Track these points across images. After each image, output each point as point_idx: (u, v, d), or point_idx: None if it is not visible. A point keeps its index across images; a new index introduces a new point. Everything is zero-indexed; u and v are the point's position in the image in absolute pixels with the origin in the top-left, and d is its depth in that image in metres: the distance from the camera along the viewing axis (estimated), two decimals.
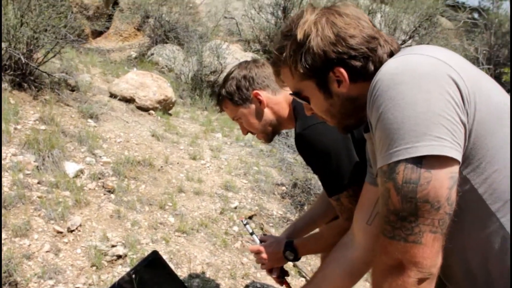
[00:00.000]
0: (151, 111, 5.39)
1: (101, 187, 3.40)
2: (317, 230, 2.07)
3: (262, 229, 3.61)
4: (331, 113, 1.25)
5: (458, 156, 0.96)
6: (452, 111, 0.96)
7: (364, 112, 1.25)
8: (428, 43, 7.78)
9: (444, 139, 0.94)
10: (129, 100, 5.35)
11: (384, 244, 1.03)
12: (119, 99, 5.26)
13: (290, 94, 1.31)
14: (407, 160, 0.95)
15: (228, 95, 1.88)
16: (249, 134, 2.00)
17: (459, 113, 0.97)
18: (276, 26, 8.25)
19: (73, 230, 2.83)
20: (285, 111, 1.88)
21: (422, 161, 0.94)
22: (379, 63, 1.14)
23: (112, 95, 5.32)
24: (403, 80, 0.99)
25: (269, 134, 1.93)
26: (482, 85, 1.04)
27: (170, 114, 5.68)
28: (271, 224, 3.72)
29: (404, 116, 0.96)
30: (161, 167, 4.02)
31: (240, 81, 1.87)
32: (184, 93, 6.76)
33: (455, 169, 0.96)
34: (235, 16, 8.93)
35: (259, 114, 1.89)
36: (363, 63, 1.15)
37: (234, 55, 7.07)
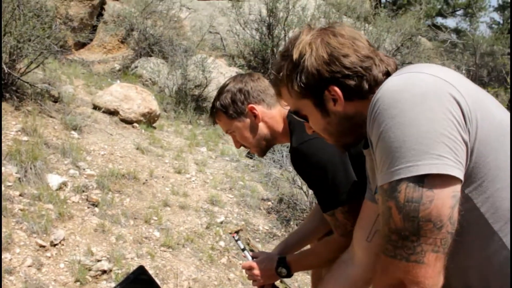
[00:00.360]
0: (135, 124, 5.33)
1: (85, 200, 3.33)
2: (308, 246, 2.05)
3: (248, 244, 3.57)
4: (329, 131, 1.26)
5: (460, 175, 0.95)
6: (454, 130, 0.96)
7: (362, 129, 1.24)
8: (410, 62, 7.91)
9: (446, 158, 0.94)
10: (113, 113, 5.28)
11: (385, 263, 1.02)
12: (103, 111, 5.19)
13: (291, 112, 1.32)
14: (409, 179, 0.94)
15: (222, 108, 1.86)
16: (236, 149, 1.98)
17: (461, 131, 0.96)
18: (261, 42, 8.30)
19: (56, 244, 2.75)
20: (279, 125, 1.87)
21: (424, 180, 0.94)
22: (374, 82, 1.16)
23: (96, 107, 5.25)
24: (404, 98, 0.99)
25: (263, 148, 1.91)
26: (484, 103, 1.05)
27: (154, 127, 5.62)
28: (257, 239, 3.68)
29: (405, 134, 0.96)
30: (146, 180, 3.96)
31: (235, 95, 1.85)
32: (168, 106, 6.72)
33: (457, 188, 0.96)
34: (220, 31, 8.96)
35: (253, 128, 1.87)
36: (357, 82, 1.15)
37: (219, 69, 7.07)
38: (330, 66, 1.15)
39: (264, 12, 8.32)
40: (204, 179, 4.38)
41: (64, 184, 3.38)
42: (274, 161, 4.80)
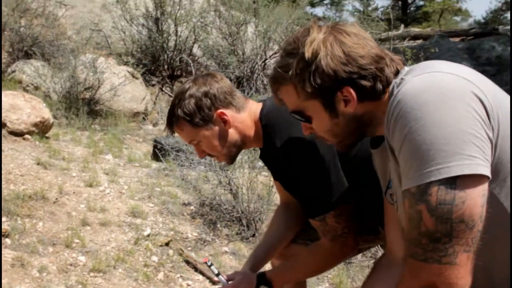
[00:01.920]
0: (27, 136, 4.78)
1: None
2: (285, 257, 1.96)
3: (181, 255, 3.37)
4: (334, 133, 1.22)
5: (489, 173, 0.96)
6: (480, 128, 0.96)
7: (368, 128, 1.22)
8: None
9: (476, 157, 0.94)
10: None
11: (414, 267, 1.01)
12: None
13: (291, 113, 1.24)
14: (440, 181, 0.94)
15: (186, 116, 1.65)
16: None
17: (486, 129, 0.97)
18: (150, 39, 7.93)
19: None
20: (251, 129, 1.73)
21: (456, 181, 0.93)
22: (386, 83, 1.14)
23: None
24: (428, 100, 0.98)
25: (233, 155, 1.76)
26: (502, 99, 1.06)
27: (48, 138, 5.09)
28: (189, 248, 3.50)
29: (432, 136, 0.95)
30: (56, 199, 3.55)
31: (200, 100, 1.65)
32: (58, 112, 6.14)
33: (486, 186, 0.96)
34: (103, 29, 8.39)
35: (223, 136, 1.70)
36: (372, 83, 1.13)
37: (112, 69, 6.63)
38: (347, 67, 1.11)
39: (151, 6, 7.96)
40: (119, 190, 4.06)
41: None
42: (190, 162, 4.62)
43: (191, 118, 1.64)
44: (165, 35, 8.04)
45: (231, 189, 4.11)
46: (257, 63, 7.98)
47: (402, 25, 15.78)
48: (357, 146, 1.56)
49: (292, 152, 1.57)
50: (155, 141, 5.52)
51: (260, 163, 5.21)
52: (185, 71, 8.55)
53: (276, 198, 4.52)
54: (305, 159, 1.55)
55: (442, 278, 0.97)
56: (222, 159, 1.76)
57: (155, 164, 4.99)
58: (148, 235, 3.46)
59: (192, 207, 4.14)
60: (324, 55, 1.11)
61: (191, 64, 8.02)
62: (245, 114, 1.72)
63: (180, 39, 8.17)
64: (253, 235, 3.97)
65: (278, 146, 1.59)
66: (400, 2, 25.87)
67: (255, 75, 7.97)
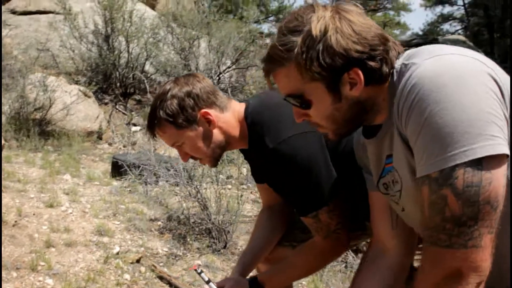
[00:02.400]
0: None
1: None
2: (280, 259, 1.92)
3: (153, 271, 3.25)
4: (334, 119, 1.16)
5: (509, 152, 0.96)
6: (498, 108, 0.96)
7: (366, 116, 1.18)
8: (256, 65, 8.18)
9: (498, 137, 0.93)
10: None
11: (437, 255, 0.99)
12: None
13: (284, 98, 1.16)
14: (466, 164, 0.93)
15: (169, 117, 1.58)
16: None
17: (502, 108, 0.97)
18: (101, 57, 7.73)
19: None
20: (235, 130, 1.68)
21: (482, 163, 0.93)
22: (390, 66, 1.11)
23: None
24: (446, 82, 0.96)
25: (216, 157, 1.70)
26: (507, 79, 1.06)
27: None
28: (161, 264, 3.38)
29: (455, 118, 0.93)
30: (16, 222, 3.35)
31: (183, 100, 1.59)
32: (8, 134, 5.85)
33: (506, 165, 0.96)
34: (51, 48, 8.12)
35: (207, 136, 1.64)
36: (379, 65, 1.09)
37: (63, 88, 6.40)
38: (358, 46, 1.06)
39: (101, 23, 7.78)
40: (82, 209, 3.88)
41: None
42: (156, 178, 4.49)
43: (174, 119, 1.58)
44: (116, 53, 7.88)
45: (199, 202, 4.02)
46: (211, 77, 7.95)
47: None
48: (345, 139, 1.56)
49: (284, 149, 1.53)
50: (113, 158, 5.36)
51: (223, 176, 5.17)
52: (138, 88, 8.41)
53: (245, 209, 4.47)
54: (297, 156, 1.51)
55: (468, 262, 0.95)
56: (206, 162, 1.70)
57: (116, 182, 4.83)
58: (118, 253, 3.31)
59: (159, 223, 4.01)
60: (334, 33, 1.05)
61: (145, 81, 7.89)
62: (228, 113, 1.67)
63: (132, 56, 8.03)
64: (224, 247, 3.89)
65: (270, 146, 1.55)
66: None
67: None
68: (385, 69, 1.10)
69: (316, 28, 1.05)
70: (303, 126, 1.57)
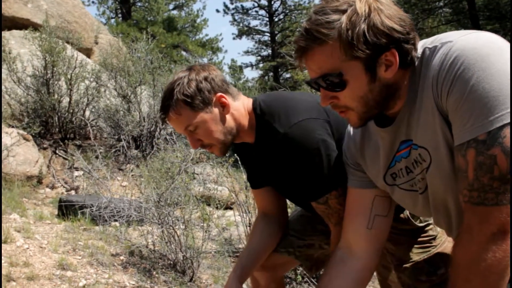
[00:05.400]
0: None
1: None
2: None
3: None
4: (366, 100, 1.20)
5: None
6: None
7: (390, 101, 1.23)
8: None
9: None
10: None
11: (485, 213, 1.05)
12: None
13: (314, 81, 1.19)
14: None
15: (186, 98, 1.62)
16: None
17: None
18: (41, 100, 7.43)
19: None
20: (245, 119, 1.73)
21: None
22: (415, 52, 1.18)
23: None
24: (489, 52, 1.06)
25: (227, 144, 1.73)
26: None
27: None
28: None
29: (500, 83, 1.02)
30: None
31: (201, 82, 1.64)
32: None
33: None
34: None
35: (221, 120, 1.68)
36: (412, 49, 1.16)
37: (3, 129, 6.07)
38: (399, 27, 1.13)
39: (40, 66, 7.55)
40: (39, 245, 3.63)
41: None
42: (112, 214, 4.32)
43: (191, 100, 1.62)
44: (56, 97, 7.63)
45: (163, 237, 3.91)
46: (157, 121, 7.89)
47: None
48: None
49: (296, 132, 1.58)
50: (60, 201, 5.10)
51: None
52: (78, 133, 8.14)
53: (209, 246, 4.38)
54: (309, 138, 1.57)
55: None
56: (215, 149, 1.71)
57: (70, 222, 4.58)
58: (84, 286, 3.12)
59: (122, 257, 3.83)
60: (378, 12, 1.11)
61: (88, 124, 7.68)
62: (239, 103, 1.73)
63: (73, 100, 7.81)
64: (191, 280, 3.78)
65: (281, 131, 1.60)
66: (271, 73, 27.76)
67: (156, 133, 7.87)
68: (414, 54, 1.18)
69: (361, 8, 1.12)
70: (311, 113, 1.64)
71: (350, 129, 1.51)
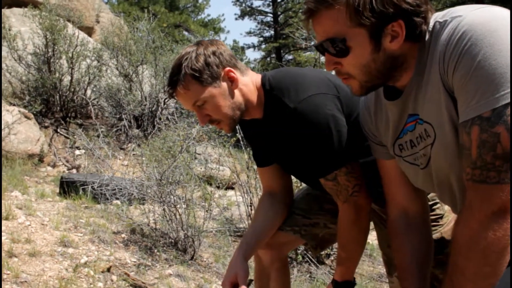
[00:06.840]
0: None
1: None
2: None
3: (125, 280, 3.09)
4: (368, 69, 1.18)
5: None
6: None
7: (395, 73, 1.21)
8: None
9: None
10: None
11: (486, 191, 1.04)
12: None
13: (320, 44, 1.18)
14: None
15: (194, 72, 1.59)
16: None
17: None
18: (42, 79, 7.39)
19: None
20: (254, 95, 1.71)
21: None
22: (426, 26, 1.15)
23: None
24: (498, 27, 1.02)
25: (236, 120, 1.70)
26: None
27: None
28: (133, 272, 3.23)
29: (507, 60, 0.99)
30: None
31: (209, 57, 1.62)
32: None
33: None
34: None
35: (229, 95, 1.66)
36: (421, 22, 1.14)
37: (4, 107, 6.05)
38: None
39: (41, 45, 7.50)
40: (41, 222, 3.64)
41: None
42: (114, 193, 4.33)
43: (200, 74, 1.59)
44: (57, 75, 7.59)
45: (165, 216, 3.92)
46: (158, 100, 7.87)
47: None
48: (356, 109, 1.62)
49: (306, 107, 1.56)
50: (61, 178, 5.11)
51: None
52: (79, 112, 8.12)
53: (210, 225, 4.40)
54: (319, 113, 1.55)
55: None
56: (224, 125, 1.69)
57: (69, 200, 4.59)
58: (86, 263, 3.13)
59: (123, 235, 3.85)
60: None
61: (90, 103, 7.65)
62: (248, 78, 1.71)
63: (74, 79, 7.77)
64: (192, 258, 3.80)
65: (291, 105, 1.58)
66: (274, 54, 27.56)
67: (158, 112, 7.84)
68: (424, 27, 1.15)
69: None
70: (321, 88, 1.62)
71: (364, 102, 1.49)
